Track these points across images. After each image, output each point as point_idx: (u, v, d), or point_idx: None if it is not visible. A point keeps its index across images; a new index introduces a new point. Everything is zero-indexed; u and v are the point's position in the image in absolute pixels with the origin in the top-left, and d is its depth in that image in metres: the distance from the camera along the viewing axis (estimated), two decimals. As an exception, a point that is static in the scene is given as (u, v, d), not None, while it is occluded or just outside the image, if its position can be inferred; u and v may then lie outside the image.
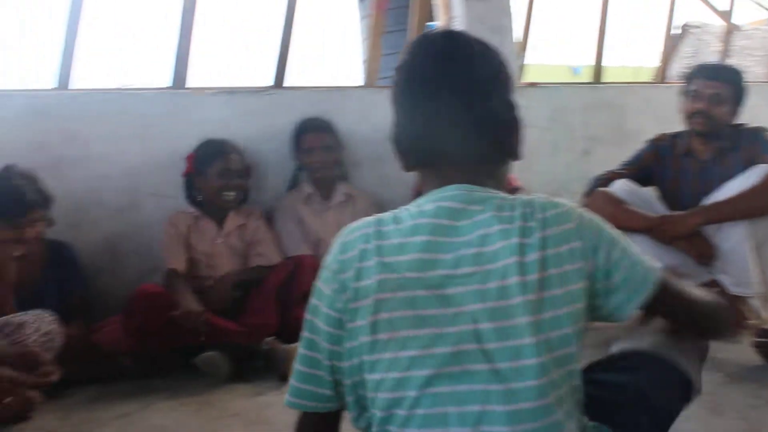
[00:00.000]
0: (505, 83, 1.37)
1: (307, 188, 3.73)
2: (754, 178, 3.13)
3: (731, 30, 5.61)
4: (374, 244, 1.26)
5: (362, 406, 1.27)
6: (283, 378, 2.85)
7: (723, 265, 3.19)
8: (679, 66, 3.80)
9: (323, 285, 1.31)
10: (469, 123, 1.31)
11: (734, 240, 3.14)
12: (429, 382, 1.17)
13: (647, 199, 3.42)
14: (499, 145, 1.36)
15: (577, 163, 4.50)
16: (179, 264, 3.27)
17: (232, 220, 3.47)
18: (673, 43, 5.72)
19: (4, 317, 2.65)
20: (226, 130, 3.68)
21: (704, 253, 3.18)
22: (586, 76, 5.26)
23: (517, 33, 4.63)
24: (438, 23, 4.68)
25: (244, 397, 2.73)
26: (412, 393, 1.17)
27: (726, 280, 3.19)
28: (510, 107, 1.37)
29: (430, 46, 1.36)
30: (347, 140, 3.90)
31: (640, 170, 3.57)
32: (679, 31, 9.13)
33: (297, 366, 1.36)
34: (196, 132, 3.58)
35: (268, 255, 3.45)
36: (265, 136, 3.82)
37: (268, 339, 3.03)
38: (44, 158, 3.37)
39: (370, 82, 4.29)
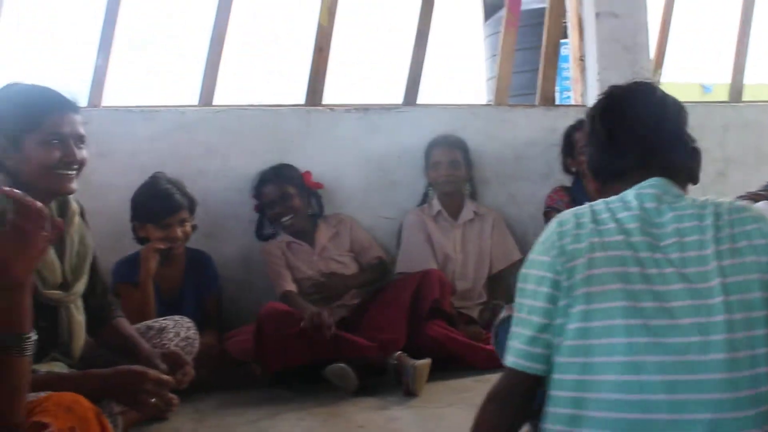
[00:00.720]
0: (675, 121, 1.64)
1: (436, 205, 3.76)
2: None
3: None
4: (588, 217, 1.46)
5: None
6: (409, 393, 2.88)
7: None
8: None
9: (540, 254, 1.46)
10: (674, 146, 1.58)
11: None
12: (631, 331, 1.30)
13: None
14: (690, 169, 1.60)
15: (712, 186, 4.32)
16: (291, 285, 3.38)
17: (322, 236, 3.58)
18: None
19: (145, 322, 2.78)
20: (358, 147, 3.78)
21: None
22: (718, 95, 5.05)
23: (651, 50, 4.50)
24: (570, 41, 4.62)
25: (369, 409, 2.77)
26: (617, 340, 1.30)
27: None
28: (692, 140, 1.63)
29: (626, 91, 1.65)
30: (476, 158, 3.91)
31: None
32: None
33: (517, 330, 1.46)
34: (330, 148, 3.69)
35: (374, 252, 3.62)
36: (396, 153, 3.89)
37: (397, 354, 3.05)
38: (186, 171, 3.55)
39: (500, 101, 4.29)
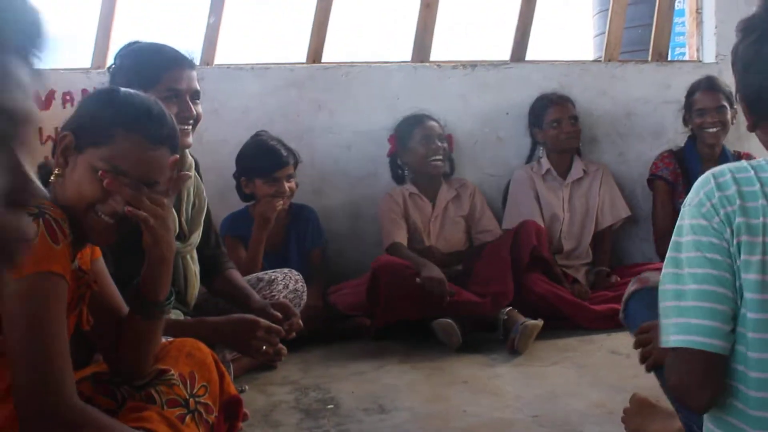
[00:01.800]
0: None
1: (545, 164, 3.71)
2: None
3: None
4: (757, 186, 1.26)
5: None
6: (514, 350, 2.89)
7: None
8: None
9: (699, 219, 1.28)
10: None
11: None
12: None
13: None
14: None
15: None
16: (402, 237, 3.39)
17: (444, 196, 3.56)
18: None
19: (255, 274, 2.88)
20: (465, 104, 3.77)
21: None
22: None
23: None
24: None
25: (474, 365, 2.79)
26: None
27: None
28: None
29: None
30: (586, 116, 3.82)
31: None
32: None
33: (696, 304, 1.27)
34: (437, 104, 3.67)
35: (492, 230, 3.53)
36: (503, 110, 3.85)
37: (507, 309, 3.07)
38: (295, 128, 3.63)
39: (611, 56, 4.17)
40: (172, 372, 1.59)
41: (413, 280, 3.05)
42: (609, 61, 4.16)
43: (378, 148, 3.73)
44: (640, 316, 1.72)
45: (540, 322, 2.95)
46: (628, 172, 3.92)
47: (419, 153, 3.50)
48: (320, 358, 2.93)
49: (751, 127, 1.38)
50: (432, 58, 3.97)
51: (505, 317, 3.04)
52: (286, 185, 3.18)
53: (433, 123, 3.55)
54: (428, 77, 3.82)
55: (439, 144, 3.51)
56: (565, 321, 3.16)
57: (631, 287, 1.82)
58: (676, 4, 4.93)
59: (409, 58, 3.96)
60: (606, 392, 2.38)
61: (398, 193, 3.54)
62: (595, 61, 4.23)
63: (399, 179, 3.64)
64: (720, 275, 1.24)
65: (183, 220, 2.48)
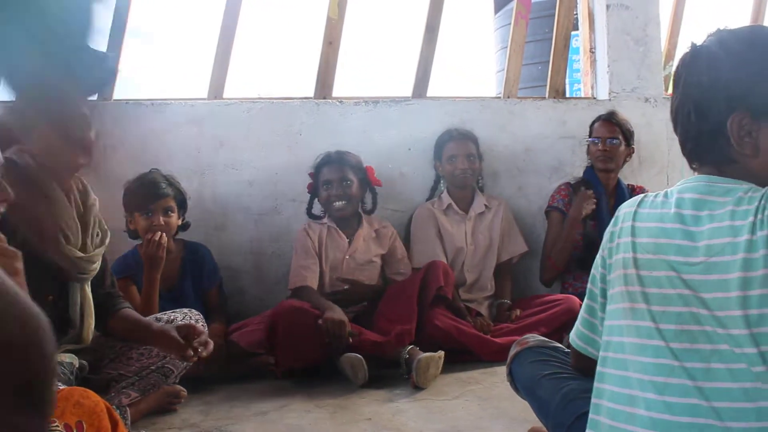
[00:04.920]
0: None
1: (446, 199, 3.76)
2: None
3: None
4: (629, 224, 1.40)
5: None
6: (417, 386, 2.89)
7: None
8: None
9: (602, 247, 1.48)
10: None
11: None
12: (657, 353, 1.29)
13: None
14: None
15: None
16: (311, 281, 3.36)
17: (362, 234, 3.54)
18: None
19: (154, 315, 2.80)
20: (368, 139, 3.78)
21: None
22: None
23: (662, 43, 4.48)
24: (580, 33, 4.61)
25: (377, 402, 2.77)
26: (644, 359, 1.31)
27: None
28: None
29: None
30: (486, 151, 3.90)
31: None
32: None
33: (582, 313, 1.57)
34: (338, 140, 3.69)
35: (405, 273, 3.54)
36: (405, 146, 3.89)
37: (409, 347, 3.08)
38: (196, 164, 3.59)
39: (510, 93, 4.28)
40: (57, 423, 1.52)
41: (313, 323, 3.03)
42: (508, 97, 4.27)
43: (280, 185, 3.72)
44: (524, 374, 1.82)
45: (437, 354, 2.98)
46: (527, 206, 4.02)
47: (322, 196, 3.50)
48: (222, 399, 2.86)
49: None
50: (335, 94, 3.99)
51: (407, 356, 3.05)
52: (163, 219, 3.10)
53: (336, 166, 3.48)
54: (331, 113, 3.84)
55: (341, 188, 3.46)
56: (469, 354, 3.18)
57: (513, 351, 1.92)
58: (573, 42, 5.11)
59: (311, 94, 3.97)
60: (508, 425, 2.40)
61: (315, 227, 3.51)
62: (494, 97, 4.32)
63: (313, 216, 3.59)
64: (596, 294, 1.50)
65: (89, 242, 2.43)
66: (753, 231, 1.22)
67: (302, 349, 3.03)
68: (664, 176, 4.18)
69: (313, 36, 4.08)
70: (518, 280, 3.96)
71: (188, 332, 2.44)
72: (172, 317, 2.77)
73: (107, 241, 2.51)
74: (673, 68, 4.66)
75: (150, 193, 3.12)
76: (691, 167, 1.44)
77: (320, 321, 3.04)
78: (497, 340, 3.23)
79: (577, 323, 1.58)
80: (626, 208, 1.44)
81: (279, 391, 2.94)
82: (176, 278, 3.25)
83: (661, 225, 1.35)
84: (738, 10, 5.93)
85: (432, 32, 4.16)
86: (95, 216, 2.49)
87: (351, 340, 3.04)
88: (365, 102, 3.90)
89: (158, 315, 2.79)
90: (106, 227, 2.53)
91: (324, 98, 3.94)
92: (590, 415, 1.41)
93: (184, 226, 3.25)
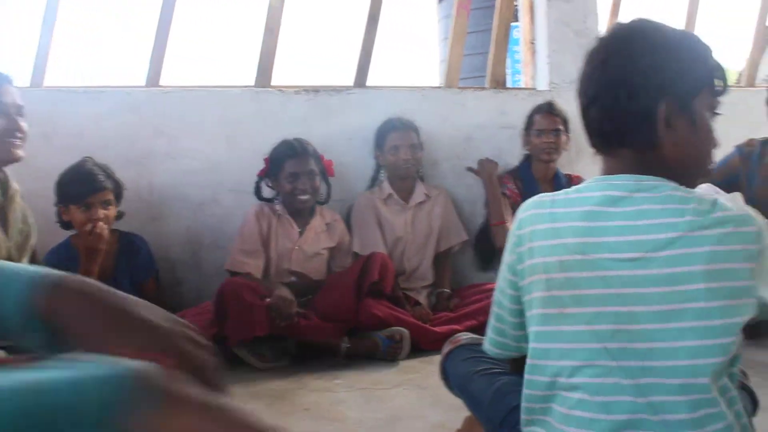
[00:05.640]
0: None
1: (386, 188, 3.76)
2: None
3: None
4: (545, 226, 1.38)
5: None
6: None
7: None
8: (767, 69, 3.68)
9: (506, 254, 1.47)
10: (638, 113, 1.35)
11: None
12: (592, 355, 1.29)
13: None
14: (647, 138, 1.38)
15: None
16: (254, 268, 3.31)
17: (314, 226, 3.50)
18: (762, 45, 5.48)
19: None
20: (308, 129, 3.75)
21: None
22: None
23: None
24: (521, 24, 4.64)
25: (316, 392, 2.77)
26: (575, 363, 1.31)
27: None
28: None
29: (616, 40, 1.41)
30: (426, 140, 3.91)
31: (726, 175, 3.49)
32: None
33: (491, 319, 1.57)
34: (279, 129, 3.65)
35: (346, 259, 3.55)
36: (346, 135, 3.87)
37: (347, 339, 3.11)
38: (133, 153, 3.52)
39: (451, 83, 4.29)
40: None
41: (260, 300, 3.03)
42: (449, 87, 4.28)
43: (219, 175, 3.67)
44: (457, 372, 1.84)
45: (377, 339, 3.06)
46: (467, 195, 4.04)
47: (286, 188, 3.42)
48: (158, 392, 2.82)
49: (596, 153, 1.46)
50: (276, 83, 3.95)
51: (348, 345, 3.08)
52: (101, 212, 3.03)
53: (305, 158, 3.43)
54: (270, 102, 3.80)
55: (308, 181, 3.42)
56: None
57: (445, 349, 1.95)
58: (514, 33, 5.15)
59: (252, 82, 3.93)
60: (446, 413, 2.40)
61: (267, 213, 3.45)
62: (435, 87, 4.33)
63: (262, 198, 3.52)
64: (503, 303, 1.51)
65: (11, 244, 2.36)
66: (692, 227, 1.25)
67: (251, 321, 3.00)
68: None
69: (254, 23, 4.04)
70: (457, 269, 3.98)
71: None
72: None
73: (33, 241, 2.44)
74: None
75: (88, 186, 3.04)
76: (600, 151, 1.43)
77: (268, 300, 3.03)
78: (436, 329, 3.24)
79: (488, 332, 1.59)
80: (532, 209, 1.42)
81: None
82: (111, 270, 3.17)
83: (587, 224, 1.33)
84: (674, 3, 6.05)
85: (374, 21, 4.15)
86: (19, 207, 2.42)
87: (297, 319, 3.05)
88: (306, 91, 3.87)
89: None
90: (32, 221, 2.46)
91: (264, 87, 3.89)
92: (522, 417, 1.44)
93: (119, 216, 3.18)
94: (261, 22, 3.95)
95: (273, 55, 3.95)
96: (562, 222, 1.36)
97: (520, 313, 1.46)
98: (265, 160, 3.49)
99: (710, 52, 1.39)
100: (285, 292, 3.09)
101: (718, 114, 1.40)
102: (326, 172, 3.56)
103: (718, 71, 1.39)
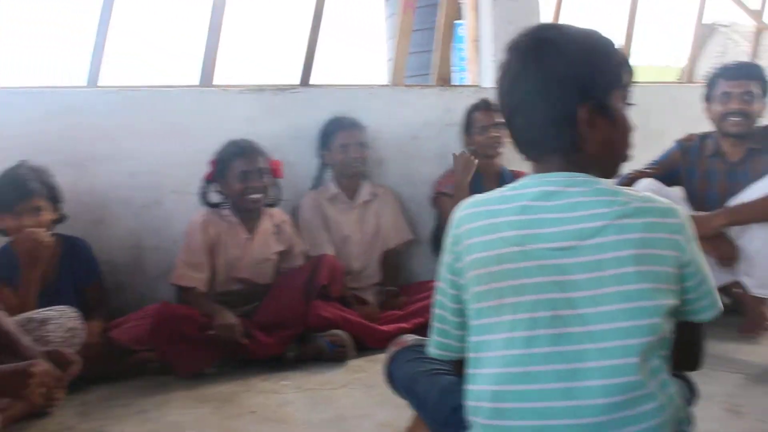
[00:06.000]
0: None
1: (332, 187, 3.74)
2: (782, 180, 3.10)
3: (762, 29, 5.51)
4: (480, 223, 1.41)
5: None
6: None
7: (746, 267, 3.16)
8: (707, 65, 3.75)
9: (445, 254, 1.49)
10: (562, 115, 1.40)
11: (759, 242, 3.11)
12: (529, 342, 1.32)
13: (673, 199, 3.38)
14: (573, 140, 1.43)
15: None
16: (199, 282, 3.22)
17: (262, 231, 3.40)
18: (701, 42, 5.62)
19: (26, 314, 2.68)
20: (253, 128, 3.71)
21: (727, 255, 3.15)
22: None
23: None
24: (466, 22, 4.67)
25: (262, 394, 2.75)
26: (516, 352, 1.33)
27: (749, 282, 3.17)
28: None
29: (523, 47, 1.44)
30: (373, 138, 3.91)
31: (667, 170, 3.56)
32: (708, 30, 8.96)
33: (433, 322, 1.56)
34: (223, 129, 3.61)
35: (296, 262, 3.48)
36: (291, 134, 3.85)
37: (293, 345, 3.12)
38: (73, 155, 3.45)
39: (397, 81, 4.29)
40: None
41: (201, 331, 2.98)
42: (395, 85, 4.28)
43: (162, 176, 3.61)
44: (402, 374, 1.84)
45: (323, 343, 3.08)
46: (414, 193, 4.05)
47: (236, 188, 3.30)
48: (101, 399, 2.77)
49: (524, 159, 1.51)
50: (220, 82, 3.91)
51: (294, 353, 3.09)
52: (32, 219, 2.93)
53: (256, 156, 3.34)
54: (214, 102, 3.75)
55: (259, 179, 3.32)
56: (356, 343, 3.17)
57: (390, 351, 1.95)
58: (459, 31, 5.17)
59: (196, 82, 3.88)
60: (393, 411, 2.40)
61: (215, 222, 3.32)
62: (381, 85, 4.33)
63: (209, 204, 3.39)
64: (445, 303, 1.51)
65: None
66: (620, 215, 1.33)
67: (195, 357, 2.97)
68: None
69: (199, 22, 3.99)
70: (404, 266, 3.99)
71: (58, 359, 2.34)
72: (46, 316, 2.68)
73: None
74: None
75: (16, 193, 2.93)
76: (529, 157, 1.47)
77: (211, 331, 2.99)
78: (384, 328, 3.24)
79: (431, 335, 1.59)
80: (468, 208, 1.46)
81: (160, 388, 2.87)
82: (53, 275, 3.07)
83: (524, 217, 1.37)
84: (615, 1, 6.15)
85: (318, 19, 4.12)
86: None
87: (245, 341, 3.03)
88: (250, 90, 3.83)
89: (31, 314, 2.68)
90: None
91: (207, 86, 3.85)
92: (468, 416, 1.44)
93: (60, 220, 3.11)
94: (204, 20, 3.90)
95: (216, 54, 3.90)
96: (500, 217, 1.40)
97: (462, 313, 1.48)
98: (212, 162, 3.39)
99: (613, 46, 1.45)
100: (227, 318, 3.03)
101: (631, 104, 1.48)
102: (274, 172, 3.46)
103: (624, 63, 1.45)
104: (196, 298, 3.18)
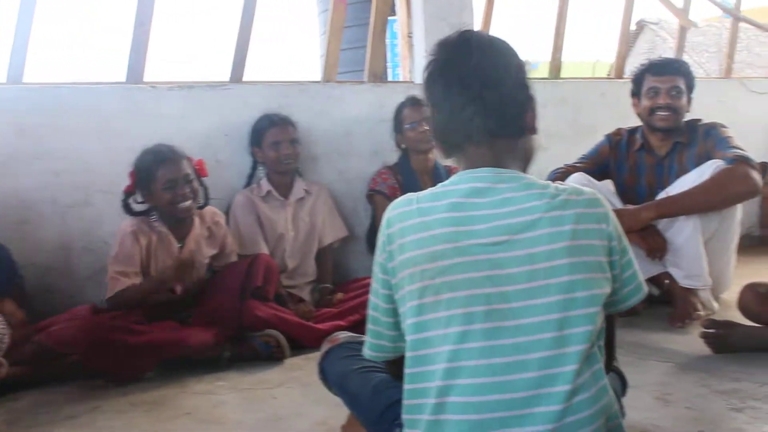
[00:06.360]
0: (517, 70, 1.53)
1: (265, 185, 3.70)
2: (707, 173, 3.18)
3: (686, 26, 5.65)
4: (415, 220, 1.44)
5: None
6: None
7: (674, 259, 3.24)
8: (636, 62, 3.84)
9: (377, 254, 1.51)
10: (484, 107, 1.47)
11: (686, 234, 3.20)
12: (464, 337, 1.34)
13: (603, 192, 3.46)
14: (514, 121, 1.51)
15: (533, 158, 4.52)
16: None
17: (193, 237, 3.31)
18: (630, 39, 5.73)
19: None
20: (183, 126, 3.65)
21: (656, 247, 3.22)
22: (543, 72, 5.27)
23: (477, 29, 4.62)
24: (398, 18, 4.67)
25: (196, 395, 2.70)
26: (453, 347, 1.35)
27: (677, 273, 3.26)
28: (522, 89, 1.53)
29: (449, 47, 1.54)
30: (305, 135, 3.88)
31: (597, 164, 3.63)
32: (637, 27, 9.18)
33: (368, 324, 1.58)
34: (152, 127, 3.55)
35: (230, 260, 3.43)
36: (222, 132, 3.78)
37: (228, 345, 3.06)
38: (-5, 154, 3.33)
39: (329, 77, 4.27)
40: None
41: (134, 335, 2.89)
42: (327, 81, 4.26)
43: (90, 175, 3.51)
44: (335, 371, 1.86)
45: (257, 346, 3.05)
46: (348, 190, 4.04)
47: (164, 198, 3.15)
48: (28, 406, 2.68)
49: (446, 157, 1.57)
50: (149, 79, 3.82)
51: (228, 354, 3.05)
52: None
53: (178, 163, 3.19)
54: (143, 99, 3.66)
55: (187, 186, 3.18)
56: (292, 341, 3.15)
57: (324, 348, 1.96)
58: (394, 27, 5.17)
59: (123, 79, 3.79)
60: (330, 410, 2.38)
61: (145, 232, 3.18)
62: (313, 81, 4.30)
63: (135, 213, 3.24)
64: (378, 303, 1.54)
65: None
66: (549, 209, 1.39)
67: (129, 362, 2.87)
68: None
69: (126, 17, 3.89)
70: (340, 263, 3.98)
71: None
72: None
73: None
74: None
75: None
76: (463, 148, 1.51)
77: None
78: (319, 326, 3.22)
79: (366, 337, 1.61)
80: (399, 208, 1.49)
81: (90, 392, 2.78)
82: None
83: (455, 214, 1.41)
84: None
85: (249, 14, 4.07)
86: None
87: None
88: (179, 87, 3.75)
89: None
90: None
91: (136, 83, 3.76)
92: (405, 416, 1.45)
93: None
94: (132, 13, 3.80)
95: (145, 50, 3.81)
96: (431, 215, 1.42)
97: (395, 313, 1.49)
98: (131, 174, 3.23)
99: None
100: (168, 268, 3.06)
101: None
102: (199, 172, 3.34)
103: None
104: (130, 290, 3.07)
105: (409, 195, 1.51)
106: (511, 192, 1.41)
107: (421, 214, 1.44)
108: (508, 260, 1.36)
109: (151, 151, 3.21)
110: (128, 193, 3.25)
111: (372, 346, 1.59)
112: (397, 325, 1.50)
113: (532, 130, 1.55)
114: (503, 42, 1.55)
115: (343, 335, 1.94)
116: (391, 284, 1.47)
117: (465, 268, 1.37)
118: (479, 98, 1.46)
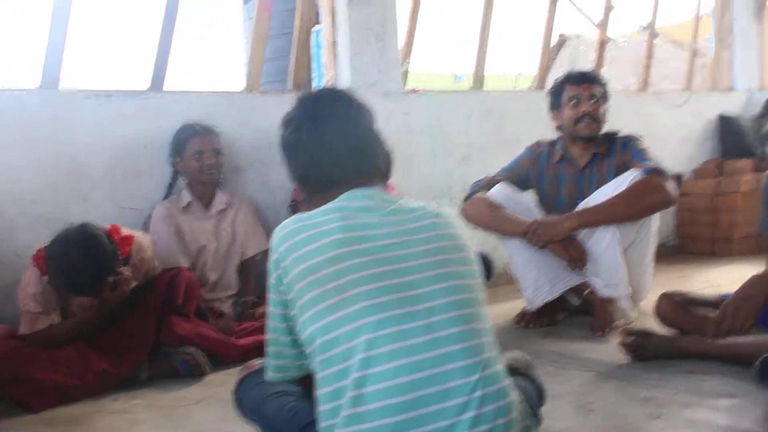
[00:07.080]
0: (372, 124, 1.77)
1: (185, 196, 3.62)
2: (624, 184, 3.26)
3: (605, 41, 5.79)
4: (305, 234, 1.54)
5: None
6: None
7: (594, 268, 3.30)
8: (557, 74, 3.90)
9: (270, 275, 1.59)
10: (349, 157, 1.69)
11: (605, 244, 3.27)
12: (381, 325, 1.42)
13: (525, 203, 3.52)
14: (375, 169, 1.73)
15: (457, 169, 4.56)
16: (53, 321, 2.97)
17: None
18: (552, 52, 5.85)
19: None
20: (101, 135, 3.55)
21: (577, 257, 3.27)
22: (468, 84, 5.33)
23: (401, 39, 4.65)
24: (323, 26, 4.65)
25: (112, 415, 2.63)
26: (368, 337, 1.41)
27: (596, 283, 3.32)
28: (379, 141, 1.77)
29: (314, 104, 1.83)
30: (229, 146, 3.82)
31: (518, 176, 3.68)
32: (558, 41, 9.37)
33: (267, 347, 1.66)
34: (70, 135, 3.44)
35: (155, 271, 3.27)
36: (142, 142, 3.68)
37: (146, 365, 3.01)
38: None
39: (253, 87, 4.22)
40: None
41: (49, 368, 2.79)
42: (251, 91, 4.21)
43: (9, 184, 3.36)
44: (250, 397, 1.86)
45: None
46: (271, 201, 3.99)
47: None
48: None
49: (308, 200, 1.77)
50: (66, 86, 3.71)
51: (147, 374, 2.99)
52: None
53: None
54: (58, 106, 3.54)
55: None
56: (213, 358, 3.08)
57: (239, 376, 1.97)
58: (320, 37, 5.14)
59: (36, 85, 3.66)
60: (250, 427, 2.35)
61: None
62: (236, 91, 4.24)
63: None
64: (276, 323, 1.62)
65: None
66: (434, 216, 1.61)
67: (45, 392, 2.74)
68: (403, 167, 4.31)
69: (42, 21, 3.76)
70: (263, 276, 3.90)
71: None
72: None
73: None
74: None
75: None
76: (351, 183, 1.67)
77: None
78: (240, 341, 3.16)
79: (267, 359, 1.69)
80: (289, 226, 1.61)
81: (3, 412, 2.68)
82: None
83: (350, 222, 1.55)
84: (469, 10, 6.30)
85: (170, 20, 3.99)
86: None
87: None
88: (96, 95, 3.63)
89: None
90: None
91: (50, 89, 3.63)
92: (322, 424, 1.47)
93: None
94: (47, 15, 3.67)
95: (62, 55, 3.69)
96: (324, 226, 1.54)
97: (293, 330, 1.56)
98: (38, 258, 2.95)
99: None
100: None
101: None
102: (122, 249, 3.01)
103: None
104: (55, 328, 2.94)
105: (297, 215, 1.63)
106: (396, 206, 1.61)
107: (312, 227, 1.55)
108: (410, 255, 1.51)
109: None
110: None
111: (274, 367, 1.67)
112: (296, 343, 1.56)
113: (388, 176, 1.80)
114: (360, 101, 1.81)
115: (258, 362, 1.93)
116: (286, 302, 1.54)
117: (369, 265, 1.48)
118: (344, 149, 1.70)
